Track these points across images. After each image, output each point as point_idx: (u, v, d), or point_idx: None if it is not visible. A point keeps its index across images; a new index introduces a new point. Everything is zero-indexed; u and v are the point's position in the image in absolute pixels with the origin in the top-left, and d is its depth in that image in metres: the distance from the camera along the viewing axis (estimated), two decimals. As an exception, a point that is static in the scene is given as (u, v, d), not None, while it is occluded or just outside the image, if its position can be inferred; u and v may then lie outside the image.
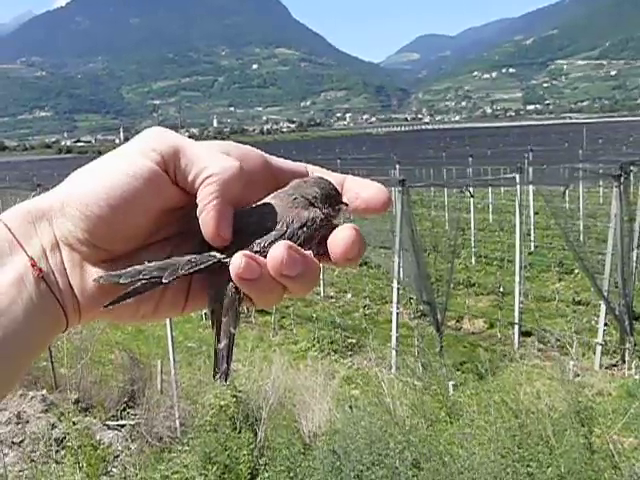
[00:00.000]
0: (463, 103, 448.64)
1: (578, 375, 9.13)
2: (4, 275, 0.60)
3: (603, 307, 9.89)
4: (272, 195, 0.71)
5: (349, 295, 15.12)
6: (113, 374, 9.33)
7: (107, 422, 8.14)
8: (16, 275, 0.61)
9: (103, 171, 0.64)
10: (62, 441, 7.32)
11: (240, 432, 7.05)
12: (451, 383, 8.56)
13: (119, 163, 0.64)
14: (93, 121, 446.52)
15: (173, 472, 6.83)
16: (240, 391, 7.44)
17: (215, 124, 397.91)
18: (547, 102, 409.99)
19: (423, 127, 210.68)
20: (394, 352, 9.98)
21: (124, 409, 8.16)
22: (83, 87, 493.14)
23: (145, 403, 7.88)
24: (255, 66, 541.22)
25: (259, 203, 0.70)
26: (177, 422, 7.68)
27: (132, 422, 7.82)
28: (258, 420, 7.08)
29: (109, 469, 7.07)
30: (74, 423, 7.28)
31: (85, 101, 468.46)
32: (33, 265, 0.61)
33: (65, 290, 0.64)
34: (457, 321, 12.56)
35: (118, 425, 8.05)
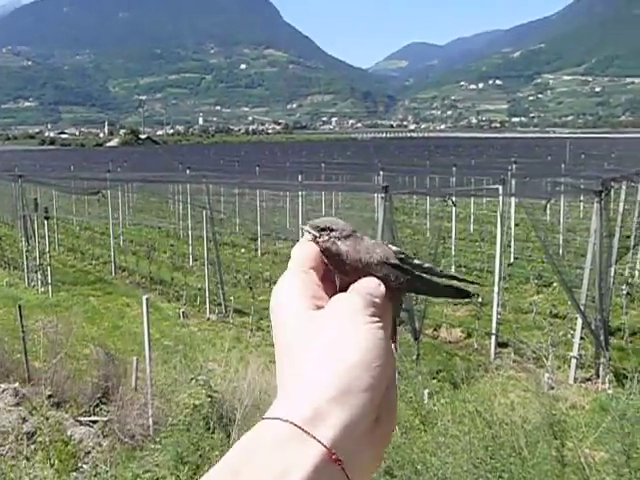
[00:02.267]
0: (449, 112, 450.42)
1: (552, 388, 9.17)
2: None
3: (579, 321, 9.96)
4: None
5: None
6: (87, 369, 9.27)
7: (79, 418, 8.07)
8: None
9: None
10: (33, 436, 7.25)
11: (213, 432, 7.02)
12: (426, 391, 8.57)
13: None
14: (78, 113, 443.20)
15: (145, 471, 6.79)
16: (215, 391, 7.41)
17: (201, 122, 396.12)
18: (532, 115, 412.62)
19: (408, 134, 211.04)
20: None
21: (97, 405, 8.11)
22: (69, 79, 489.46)
23: (119, 400, 7.82)
24: (243, 66, 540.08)
25: None
26: (150, 420, 7.64)
27: (105, 418, 7.76)
28: (232, 421, 7.05)
29: (80, 465, 7.01)
30: (46, 418, 7.21)
31: (70, 93, 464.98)
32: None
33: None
34: (435, 330, 12.59)
35: (90, 421, 7.99)
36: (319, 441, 0.60)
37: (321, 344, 0.65)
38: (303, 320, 0.67)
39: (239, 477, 0.59)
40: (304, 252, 0.74)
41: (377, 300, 0.68)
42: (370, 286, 0.70)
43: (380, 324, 0.66)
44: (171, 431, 7.35)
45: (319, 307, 0.69)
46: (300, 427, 0.60)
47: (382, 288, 0.70)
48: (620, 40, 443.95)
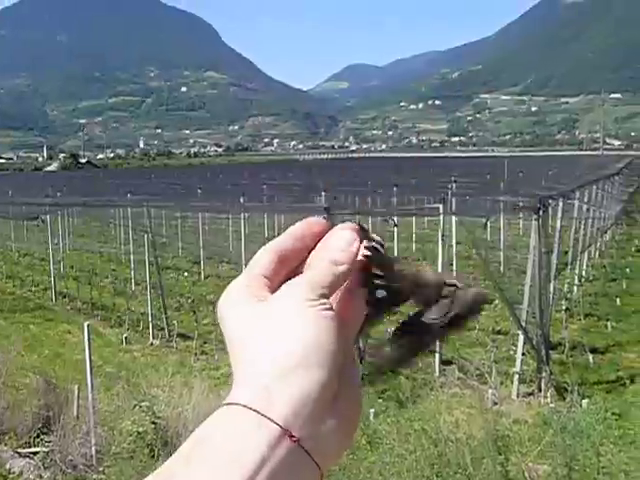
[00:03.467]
0: (390, 132, 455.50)
1: (496, 404, 9.29)
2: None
3: (521, 337, 10.12)
4: None
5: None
6: (27, 399, 9.02)
7: (19, 450, 7.85)
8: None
9: None
10: (-30, 470, 7.03)
11: (158, 459, 6.91)
12: (372, 410, 8.59)
13: None
14: (15, 137, 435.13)
15: (87, 502, 6.65)
16: (159, 417, 7.31)
17: (142, 145, 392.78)
18: (471, 134, 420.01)
19: (350, 155, 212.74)
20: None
21: (38, 436, 7.90)
22: (6, 102, 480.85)
23: (60, 429, 7.64)
24: (184, 89, 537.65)
25: None
26: (93, 449, 7.47)
27: (46, 449, 7.57)
28: (177, 447, 6.94)
29: (19, 499, 6.82)
30: (-17, 451, 7.00)
31: (7, 117, 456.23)
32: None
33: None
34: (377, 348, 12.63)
35: (30, 452, 7.78)
36: (271, 419, 0.60)
37: (267, 327, 0.65)
38: (249, 308, 0.67)
39: (191, 463, 0.59)
40: (257, 259, 0.73)
41: (327, 284, 0.68)
42: (322, 272, 0.69)
43: (327, 305, 0.66)
44: (114, 460, 7.22)
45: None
46: (250, 407, 0.60)
47: (337, 270, 0.69)
48: (554, 61, 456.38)
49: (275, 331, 0.65)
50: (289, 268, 0.71)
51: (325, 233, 0.72)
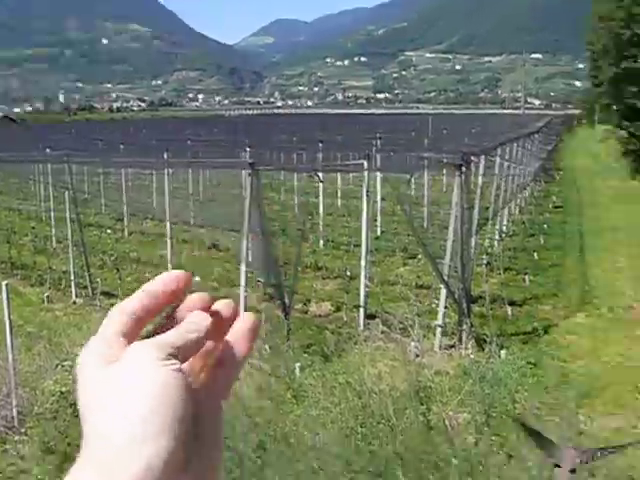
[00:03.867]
0: (315, 89, 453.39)
1: (418, 356, 9.49)
2: None
3: (443, 291, 10.31)
4: None
5: (197, 278, 14.95)
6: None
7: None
8: None
9: None
10: None
11: (81, 418, 6.83)
12: (297, 365, 8.67)
13: None
14: None
15: (8, 464, 6.54)
16: (82, 376, 7.21)
17: (62, 99, 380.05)
18: (396, 92, 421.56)
19: (276, 111, 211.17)
20: (242, 335, 9.97)
21: (-46, 397, 7.71)
22: None
23: (-22, 391, 7.47)
24: (105, 41, 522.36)
25: None
26: (14, 411, 7.33)
27: (-37, 412, 7.40)
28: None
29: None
30: None
31: None
32: None
33: None
34: (304, 304, 12.69)
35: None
36: None
37: (113, 391, 0.62)
38: (97, 371, 0.64)
39: None
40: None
41: (177, 345, 0.66)
42: (173, 334, 0.66)
43: (176, 366, 0.63)
44: (37, 420, 7.11)
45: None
46: None
47: (189, 335, 0.66)
48: (479, 20, 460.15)
49: (120, 396, 0.62)
50: (143, 326, 0.70)
51: (183, 290, 0.71)
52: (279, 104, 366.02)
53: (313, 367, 9.15)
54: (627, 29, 31.06)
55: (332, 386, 7.45)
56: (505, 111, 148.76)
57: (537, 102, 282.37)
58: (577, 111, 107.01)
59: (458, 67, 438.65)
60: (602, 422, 7.58)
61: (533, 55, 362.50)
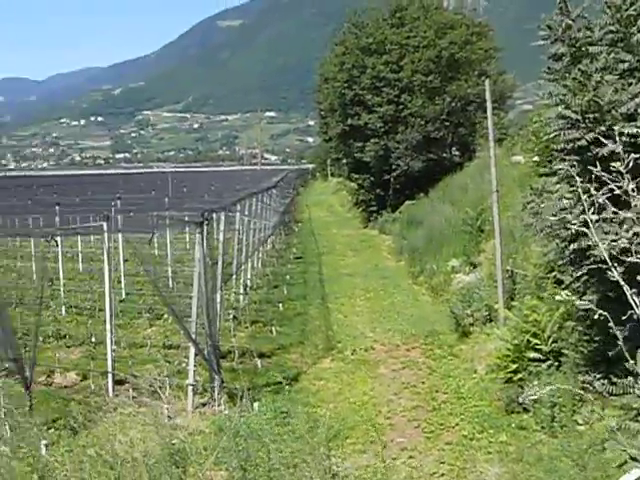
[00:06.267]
0: (51, 150, 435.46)
1: (171, 418, 9.33)
2: None
3: (192, 349, 10.27)
4: None
5: None
6: None
7: None
8: None
9: None
10: None
11: None
12: (43, 443, 8.14)
13: None
14: None
15: None
16: None
17: None
18: (135, 151, 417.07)
19: (8, 173, 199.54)
20: (-24, 417, 9.20)
21: None
22: None
23: None
24: None
25: None
26: None
27: None
28: None
29: None
30: None
31: None
32: None
33: None
34: (48, 376, 12.01)
35: None
36: None
37: None
38: None
39: None
40: None
41: None
42: None
43: None
44: None
45: None
46: None
47: None
48: (212, 80, 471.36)
49: None
50: None
51: None
52: (12, 166, 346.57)
53: (60, 443, 8.65)
54: (349, 90, 33.52)
55: (81, 460, 7.09)
56: (244, 167, 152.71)
57: (273, 157, 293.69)
58: (311, 165, 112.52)
59: (196, 125, 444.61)
60: (354, 461, 7.93)
61: (267, 113, 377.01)
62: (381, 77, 32.86)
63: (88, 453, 7.37)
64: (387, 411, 9.78)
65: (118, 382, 11.18)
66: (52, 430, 9.10)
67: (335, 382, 11.25)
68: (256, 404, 9.55)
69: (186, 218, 13.08)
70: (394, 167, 33.07)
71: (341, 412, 9.74)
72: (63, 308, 16.94)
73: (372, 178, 35.44)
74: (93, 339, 12.86)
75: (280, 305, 17.02)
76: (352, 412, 9.77)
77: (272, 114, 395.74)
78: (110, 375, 11.04)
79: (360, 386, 10.98)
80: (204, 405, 10.17)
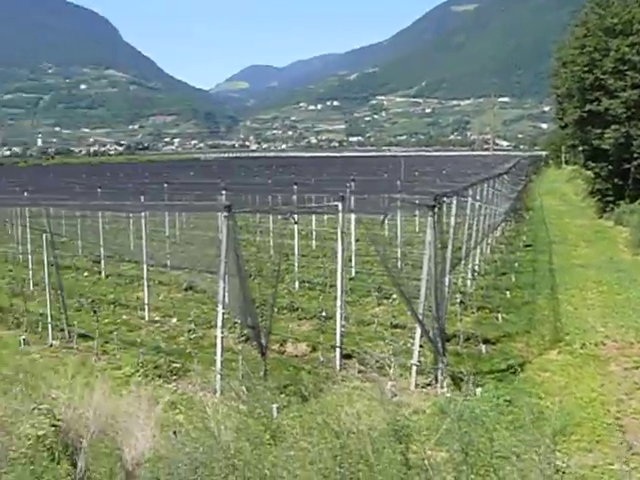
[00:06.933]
0: (289, 132, 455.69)
1: (396, 395, 9.54)
2: None
3: (418, 330, 10.41)
4: None
5: (174, 319, 14.94)
6: None
7: None
8: None
9: None
10: None
11: (59, 463, 6.78)
12: (275, 406, 8.68)
13: None
14: None
15: (-17, 508, 6.46)
16: (59, 419, 7.17)
17: (39, 143, 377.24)
18: (368, 135, 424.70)
19: (250, 154, 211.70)
20: (219, 376, 9.99)
21: None
22: None
23: (-47, 435, 7.38)
24: (83, 86, 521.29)
25: None
26: (-11, 455, 7.25)
27: (-62, 456, 7.30)
28: (78, 449, 6.84)
29: None
30: None
31: None
32: None
33: None
34: (281, 345, 12.72)
35: None
36: None
37: None
38: None
39: None
40: None
41: None
42: None
43: None
44: (12, 465, 7.04)
45: None
46: None
47: None
48: (446, 65, 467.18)
49: None
50: None
51: None
52: (254, 147, 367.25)
53: (290, 408, 9.18)
54: (589, 74, 31.84)
55: (310, 427, 7.45)
56: (475, 153, 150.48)
57: (505, 143, 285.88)
58: (544, 152, 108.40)
59: (428, 110, 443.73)
60: (578, 459, 7.65)
61: (500, 98, 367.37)
62: (626, 60, 30.84)
63: (316, 420, 7.71)
64: (616, 411, 9.30)
65: (345, 356, 11.60)
66: (283, 395, 9.68)
67: (561, 375, 10.88)
68: (479, 389, 9.51)
69: (417, 201, 13.16)
70: (635, 155, 31.05)
71: (566, 407, 9.41)
72: (296, 282, 17.80)
73: (610, 166, 33.55)
74: (323, 313, 13.40)
75: (507, 292, 16.71)
76: (578, 408, 9.40)
77: (505, 99, 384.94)
78: (338, 349, 11.48)
79: (588, 382, 10.53)
80: (427, 385, 10.27)
